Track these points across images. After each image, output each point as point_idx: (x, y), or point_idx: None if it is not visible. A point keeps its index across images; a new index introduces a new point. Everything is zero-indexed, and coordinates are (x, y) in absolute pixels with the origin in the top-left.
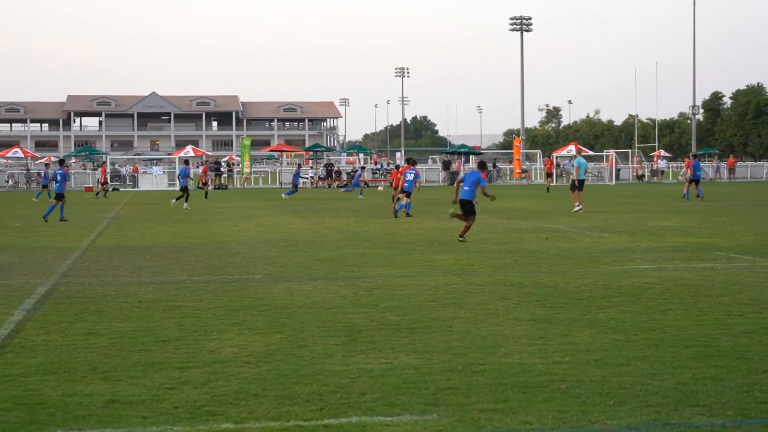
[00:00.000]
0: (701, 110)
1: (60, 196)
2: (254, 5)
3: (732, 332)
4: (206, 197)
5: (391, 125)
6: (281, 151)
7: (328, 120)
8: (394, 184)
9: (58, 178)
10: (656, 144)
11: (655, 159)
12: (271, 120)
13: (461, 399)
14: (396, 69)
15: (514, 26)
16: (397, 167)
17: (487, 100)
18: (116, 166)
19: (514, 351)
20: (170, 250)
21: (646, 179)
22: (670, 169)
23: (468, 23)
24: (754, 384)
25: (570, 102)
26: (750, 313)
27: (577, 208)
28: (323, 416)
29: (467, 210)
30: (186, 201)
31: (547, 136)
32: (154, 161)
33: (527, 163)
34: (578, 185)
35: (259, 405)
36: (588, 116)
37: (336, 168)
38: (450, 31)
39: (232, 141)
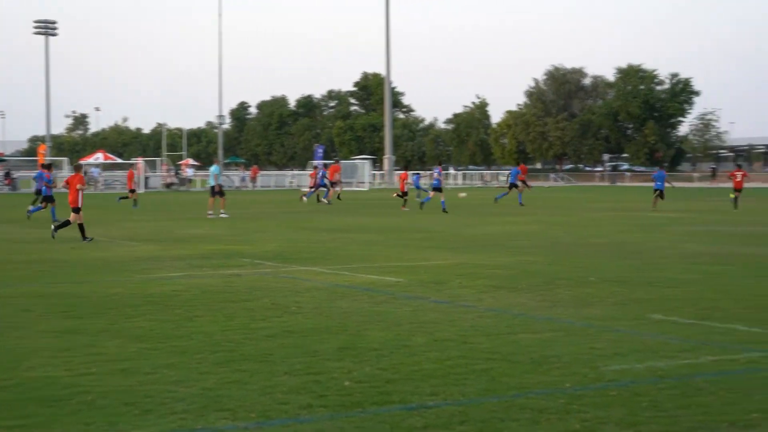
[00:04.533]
0: (229, 119)
1: None
2: None
3: (255, 336)
4: None
5: None
6: None
7: None
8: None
9: None
10: (184, 153)
11: (183, 167)
12: None
13: None
14: None
15: (39, 30)
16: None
17: (10, 105)
18: None
19: (39, 364)
20: None
21: (175, 187)
22: (198, 178)
23: None
24: (276, 386)
25: (98, 109)
26: (273, 317)
27: (212, 214)
28: None
29: None
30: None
31: (74, 143)
32: None
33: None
34: (217, 191)
35: None
36: (116, 124)
37: None
38: None
39: None
